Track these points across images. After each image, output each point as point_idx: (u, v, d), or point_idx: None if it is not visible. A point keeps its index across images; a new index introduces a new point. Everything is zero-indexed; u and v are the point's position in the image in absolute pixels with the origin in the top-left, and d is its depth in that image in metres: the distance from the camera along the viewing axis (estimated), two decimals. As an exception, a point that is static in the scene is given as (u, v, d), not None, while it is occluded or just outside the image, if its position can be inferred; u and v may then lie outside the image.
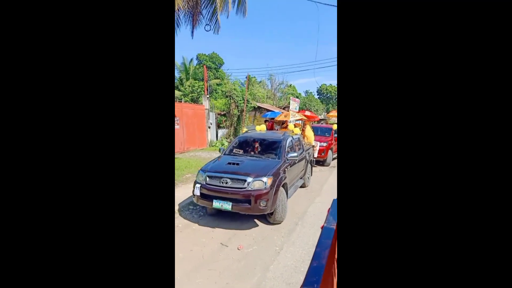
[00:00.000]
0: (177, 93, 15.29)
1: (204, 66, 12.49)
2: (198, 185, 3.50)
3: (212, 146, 11.37)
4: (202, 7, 5.73)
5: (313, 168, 5.93)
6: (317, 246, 0.82)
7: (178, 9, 4.77)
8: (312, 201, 4.58)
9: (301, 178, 4.90)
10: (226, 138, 12.15)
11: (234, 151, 4.37)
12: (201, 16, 5.91)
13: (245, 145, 4.48)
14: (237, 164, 3.67)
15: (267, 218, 3.58)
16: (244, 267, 2.58)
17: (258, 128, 5.70)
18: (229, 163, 3.71)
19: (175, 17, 5.69)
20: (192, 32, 5.64)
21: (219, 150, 4.70)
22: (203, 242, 3.09)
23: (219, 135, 12.34)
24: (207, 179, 3.48)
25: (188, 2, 4.49)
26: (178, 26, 5.81)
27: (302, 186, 5.14)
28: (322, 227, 1.02)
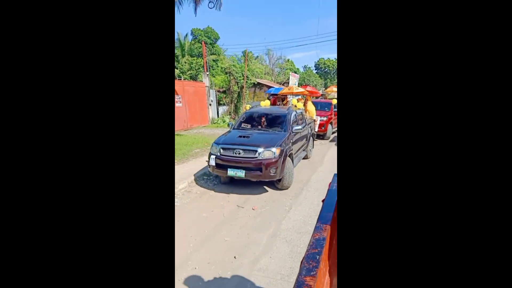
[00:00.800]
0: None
1: (203, 43, 12.31)
2: (213, 156, 3.85)
3: (214, 123, 11.61)
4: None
5: (314, 141, 6.31)
6: (318, 220, 0.81)
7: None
8: (315, 170, 5.00)
9: (304, 150, 5.28)
10: (227, 114, 12.36)
11: (242, 125, 4.68)
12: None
13: (253, 119, 4.78)
14: (248, 137, 4.01)
15: (276, 184, 4.00)
16: (260, 223, 3.03)
17: (262, 103, 5.96)
18: (240, 136, 4.04)
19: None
20: (195, 9, 5.65)
21: (228, 125, 5.01)
22: (221, 205, 3.52)
23: (219, 112, 12.52)
24: (221, 150, 3.83)
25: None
26: (181, 4, 5.79)
27: (305, 158, 5.54)
28: (323, 201, 1.01)
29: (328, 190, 1.09)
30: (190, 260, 2.35)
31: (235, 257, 2.39)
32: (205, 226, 2.95)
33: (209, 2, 5.34)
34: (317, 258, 0.65)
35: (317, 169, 5.06)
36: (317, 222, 0.78)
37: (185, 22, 36.67)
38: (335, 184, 1.14)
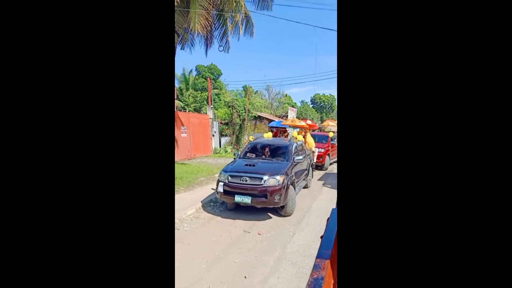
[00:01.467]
0: (177, 103, 16.01)
1: (208, 79, 13.28)
2: (221, 183, 4.14)
3: (216, 153, 11.98)
4: (214, 29, 6.48)
5: (313, 171, 6.63)
6: (316, 258, 0.79)
7: (196, 32, 5.50)
8: (315, 199, 5.25)
9: (304, 180, 5.57)
10: (229, 145, 12.81)
11: (247, 155, 5.04)
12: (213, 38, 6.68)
13: (257, 150, 5.16)
14: (253, 165, 4.34)
15: (279, 211, 4.23)
16: (267, 246, 3.22)
17: (265, 135, 6.42)
18: (246, 165, 4.38)
19: (189, 38, 6.44)
20: (206, 51, 6.41)
21: (234, 154, 5.37)
22: (228, 229, 3.71)
23: (222, 142, 12.99)
24: (229, 178, 4.13)
25: (206, 28, 5.25)
26: (193, 46, 6.56)
27: (305, 187, 5.81)
28: (322, 237, 0.98)
29: (326, 226, 1.05)
30: (203, 279, 2.52)
31: (245, 277, 2.56)
32: (215, 249, 3.13)
33: (219, 46, 6.12)
34: None
35: (317, 198, 5.31)
36: (315, 260, 0.76)
37: (190, 58, 39.38)
38: (334, 220, 1.07)
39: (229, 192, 4.07)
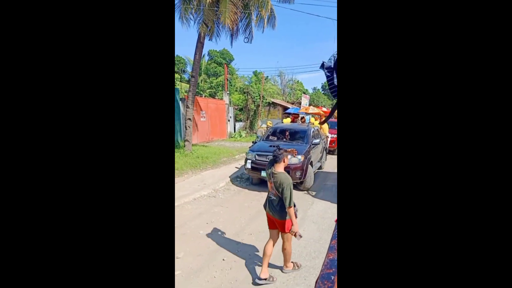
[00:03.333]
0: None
1: (225, 65, 13.72)
2: (249, 161, 4.82)
3: (232, 137, 12.67)
4: (239, 22, 6.94)
5: (327, 155, 7.25)
6: (331, 239, 0.79)
7: (226, 25, 5.98)
8: (329, 178, 5.90)
9: (319, 161, 6.20)
10: (243, 130, 13.46)
11: (269, 138, 5.68)
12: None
13: (278, 133, 5.79)
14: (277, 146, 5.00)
15: (298, 186, 4.91)
16: (291, 211, 3.93)
17: (285, 121, 7.03)
18: (271, 146, 5.03)
19: (214, 29, 6.93)
20: (231, 42, 6.93)
21: (257, 137, 6.03)
22: (256, 198, 4.43)
23: (236, 127, 13.65)
24: (256, 156, 4.80)
25: (234, 22, 5.74)
26: (218, 36, 7.07)
27: (320, 168, 6.46)
28: (336, 221, 0.94)
29: None
30: (245, 230, 3.25)
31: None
32: (249, 211, 3.86)
33: (244, 38, 6.60)
34: (332, 278, 0.65)
35: (331, 177, 5.96)
36: (331, 241, 0.76)
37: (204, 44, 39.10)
38: None
39: (256, 168, 4.76)
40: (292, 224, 2.22)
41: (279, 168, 2.31)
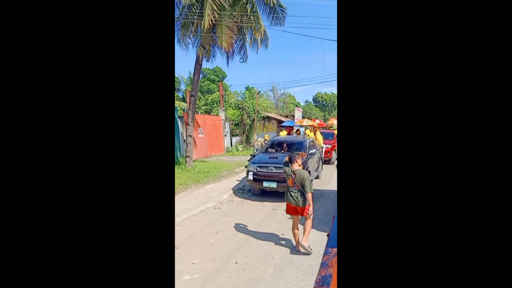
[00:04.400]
0: (185, 104, 16.94)
1: (220, 83, 14.26)
2: (250, 173, 5.11)
3: (229, 152, 12.94)
4: (235, 44, 7.45)
5: (323, 165, 7.60)
6: (324, 255, 0.78)
7: (223, 48, 6.45)
8: (326, 186, 6.21)
9: (315, 171, 6.53)
10: (240, 144, 13.78)
11: (268, 150, 6.01)
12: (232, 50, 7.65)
13: (276, 145, 6.13)
14: (276, 158, 5.31)
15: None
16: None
17: (281, 133, 7.42)
18: (270, 157, 5.35)
19: (211, 51, 7.41)
20: (227, 63, 7.43)
21: (256, 149, 6.37)
22: (260, 208, 4.68)
23: (233, 142, 13.98)
24: (257, 168, 5.10)
25: (230, 45, 6.23)
26: (214, 57, 7.55)
27: (316, 178, 6.77)
28: (328, 235, 0.95)
29: (332, 223, 1.01)
30: (253, 236, 3.49)
31: (283, 234, 3.53)
32: (254, 220, 4.11)
33: (240, 58, 7.11)
34: None
35: (327, 186, 6.27)
36: (323, 257, 0.76)
37: (193, 61, 40.17)
38: None
39: (258, 179, 5.05)
40: (309, 207, 2.97)
41: (296, 166, 3.07)
